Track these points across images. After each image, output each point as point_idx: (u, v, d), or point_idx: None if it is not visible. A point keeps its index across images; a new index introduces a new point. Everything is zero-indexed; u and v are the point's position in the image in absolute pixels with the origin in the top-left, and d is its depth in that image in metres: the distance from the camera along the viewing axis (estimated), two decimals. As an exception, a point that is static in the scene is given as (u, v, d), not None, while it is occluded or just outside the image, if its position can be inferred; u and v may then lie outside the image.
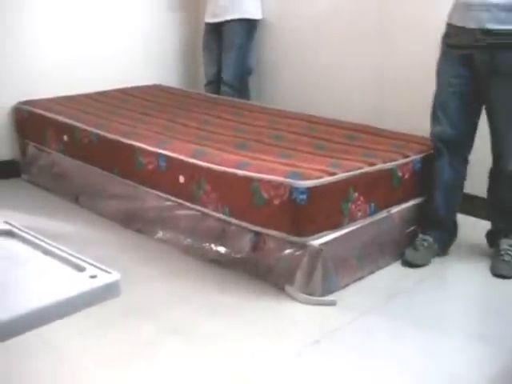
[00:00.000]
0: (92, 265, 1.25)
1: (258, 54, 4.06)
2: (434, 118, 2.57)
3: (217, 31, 3.96)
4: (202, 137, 2.91)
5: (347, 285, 2.40)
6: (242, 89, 3.97)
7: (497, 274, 2.48)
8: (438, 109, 2.55)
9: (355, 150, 2.68)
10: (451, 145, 2.55)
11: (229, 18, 3.87)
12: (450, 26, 2.49)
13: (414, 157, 2.67)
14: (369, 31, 3.49)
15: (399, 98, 3.36)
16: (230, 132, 3.00)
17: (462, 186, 2.66)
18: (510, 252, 2.52)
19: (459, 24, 2.41)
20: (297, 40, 3.87)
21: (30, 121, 3.54)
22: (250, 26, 3.91)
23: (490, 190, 2.63)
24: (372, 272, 2.51)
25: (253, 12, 3.91)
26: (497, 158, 2.54)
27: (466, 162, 2.62)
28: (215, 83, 4.01)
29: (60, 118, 3.33)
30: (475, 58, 2.40)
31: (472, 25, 2.35)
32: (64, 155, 3.33)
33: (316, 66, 3.79)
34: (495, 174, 2.58)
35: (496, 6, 2.30)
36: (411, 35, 3.24)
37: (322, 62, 3.75)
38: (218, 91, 3.99)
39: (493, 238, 2.64)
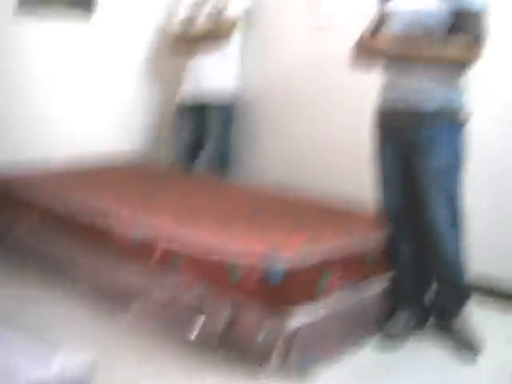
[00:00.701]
0: (61, 350, 1.21)
1: (238, 129, 4.09)
2: (379, 191, 2.63)
3: (196, 112, 3.96)
4: (178, 214, 2.90)
5: (324, 363, 2.35)
6: (223, 164, 3.96)
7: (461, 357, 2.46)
8: (381, 183, 2.61)
9: (331, 229, 2.69)
10: (400, 217, 2.58)
11: (213, 101, 3.88)
12: (379, 105, 2.58)
13: (387, 233, 2.67)
14: (342, 103, 3.56)
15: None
16: (208, 209, 3.00)
17: (424, 261, 2.60)
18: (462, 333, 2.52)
19: (388, 104, 2.51)
20: (272, 115, 3.95)
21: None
22: (232, 108, 3.95)
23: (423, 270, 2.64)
24: (350, 349, 2.47)
25: (235, 94, 3.94)
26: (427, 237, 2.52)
27: (420, 233, 2.57)
28: (192, 148, 4.01)
29: (29, 196, 3.29)
30: (404, 135, 2.48)
31: (399, 105, 2.45)
32: (32, 232, 3.27)
33: (294, 139, 3.85)
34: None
35: (417, 89, 2.40)
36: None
37: (298, 136, 3.82)
38: (194, 157, 4.00)
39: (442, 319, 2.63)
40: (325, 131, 3.65)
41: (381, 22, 2.55)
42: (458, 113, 2.44)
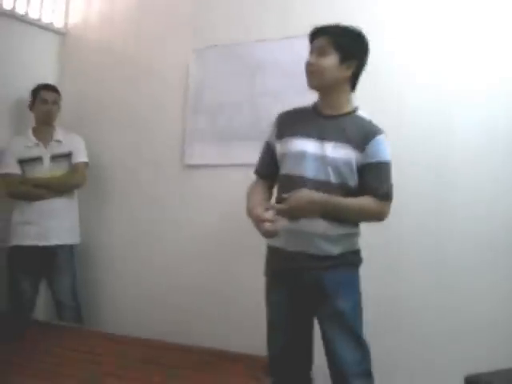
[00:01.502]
0: None
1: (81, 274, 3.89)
2: (268, 338, 2.34)
3: (38, 255, 3.66)
4: (41, 370, 2.62)
5: None
6: (77, 306, 3.74)
7: None
8: (271, 329, 2.33)
9: (208, 378, 2.57)
10: (287, 363, 2.32)
11: (61, 242, 3.70)
12: (272, 248, 2.31)
13: (267, 380, 2.44)
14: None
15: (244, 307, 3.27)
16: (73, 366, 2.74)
17: None
18: None
19: (284, 247, 2.25)
20: (113, 257, 3.88)
21: None
22: (74, 250, 3.79)
23: None
24: None
25: (77, 237, 3.81)
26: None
27: (309, 381, 2.35)
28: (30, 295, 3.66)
29: None
30: (301, 279, 2.24)
31: (298, 248, 2.21)
32: None
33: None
34: None
35: (321, 236, 2.18)
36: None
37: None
38: (32, 305, 3.67)
39: None
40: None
41: (275, 162, 2.26)
42: (359, 253, 2.30)
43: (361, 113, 2.20)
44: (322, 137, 2.14)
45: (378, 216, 2.15)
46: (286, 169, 2.19)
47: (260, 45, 3.45)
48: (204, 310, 3.45)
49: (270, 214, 2.06)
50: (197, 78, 3.68)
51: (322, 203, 2.06)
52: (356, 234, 2.25)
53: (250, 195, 2.26)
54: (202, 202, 3.55)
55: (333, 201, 2.09)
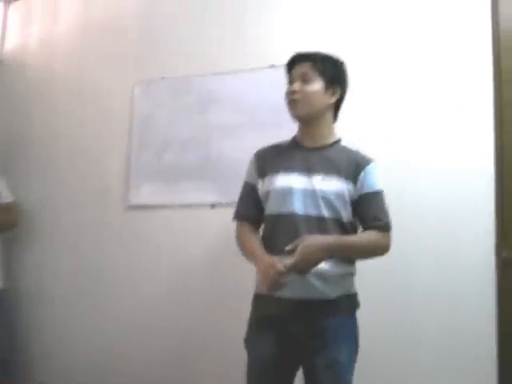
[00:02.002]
0: None
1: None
2: None
3: None
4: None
5: None
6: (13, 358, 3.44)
7: None
8: (251, 382, 2.12)
9: None
10: None
11: None
12: (259, 296, 2.15)
13: None
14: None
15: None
16: None
17: None
18: None
19: (270, 294, 2.05)
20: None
21: None
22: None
23: None
24: None
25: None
26: None
27: None
28: None
29: None
30: (290, 326, 2.07)
31: (289, 293, 2.02)
32: None
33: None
34: None
35: (318, 276, 2.03)
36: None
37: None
38: None
39: None
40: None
41: (258, 203, 2.13)
42: (356, 297, 2.15)
43: (345, 143, 2.14)
44: (308, 170, 2.04)
45: (384, 249, 2.05)
46: (272, 207, 2.06)
47: (213, 77, 3.28)
48: (150, 357, 3.22)
49: (281, 266, 1.91)
50: (143, 112, 3.47)
51: (331, 247, 1.94)
52: (353, 274, 2.13)
53: (244, 241, 2.11)
54: (148, 245, 3.33)
55: (341, 241, 1.98)
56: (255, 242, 2.07)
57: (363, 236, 2.02)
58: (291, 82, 2.09)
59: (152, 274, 3.31)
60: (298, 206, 2.01)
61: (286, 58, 2.17)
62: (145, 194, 3.35)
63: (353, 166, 2.04)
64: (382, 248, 2.04)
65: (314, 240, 1.90)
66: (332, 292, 2.01)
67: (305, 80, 2.05)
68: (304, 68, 2.07)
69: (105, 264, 3.45)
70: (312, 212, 2.00)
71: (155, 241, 3.33)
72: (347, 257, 2.02)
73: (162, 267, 3.26)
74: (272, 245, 2.01)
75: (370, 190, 2.05)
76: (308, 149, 2.08)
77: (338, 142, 2.13)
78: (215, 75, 3.24)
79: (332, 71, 2.10)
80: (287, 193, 2.02)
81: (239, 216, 2.17)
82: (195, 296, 3.11)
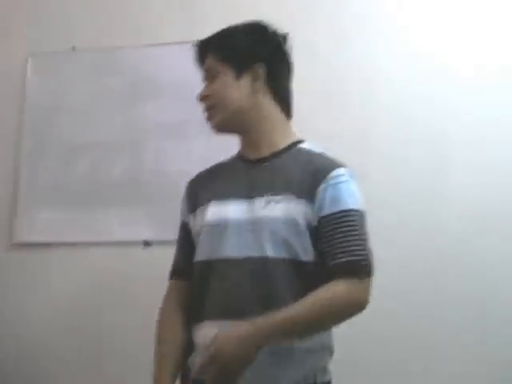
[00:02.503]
0: None
1: None
2: None
3: None
4: None
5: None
6: None
7: None
8: None
9: None
10: None
11: None
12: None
13: None
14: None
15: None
16: None
17: None
18: None
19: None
20: None
21: None
22: None
23: None
24: None
25: None
26: None
27: None
28: None
29: None
30: None
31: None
32: None
33: None
34: None
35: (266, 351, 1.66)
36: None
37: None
38: None
39: None
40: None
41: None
42: None
43: (307, 145, 1.82)
44: (250, 191, 1.76)
45: (355, 305, 1.65)
46: (200, 252, 1.78)
47: (149, 50, 2.89)
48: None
49: None
50: (40, 101, 2.97)
51: (257, 338, 1.58)
52: (329, 348, 1.74)
53: (159, 332, 1.81)
54: (44, 302, 2.83)
55: (270, 324, 1.60)
56: (168, 344, 1.80)
57: (308, 300, 1.64)
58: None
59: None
60: (234, 247, 1.73)
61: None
62: (41, 225, 2.90)
63: (309, 176, 1.74)
64: (350, 305, 1.65)
65: (225, 339, 1.62)
66: (290, 379, 1.68)
67: (212, 77, 1.84)
68: (208, 62, 1.85)
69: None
70: (253, 253, 1.71)
71: (54, 296, 2.85)
72: (297, 335, 1.69)
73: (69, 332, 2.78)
74: (200, 311, 1.74)
75: (335, 210, 1.70)
76: (252, 162, 1.84)
77: (294, 144, 1.83)
78: (153, 47, 2.87)
79: (240, 47, 1.83)
80: (221, 229, 1.76)
81: (173, 273, 1.91)
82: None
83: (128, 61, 2.87)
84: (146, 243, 2.75)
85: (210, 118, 1.83)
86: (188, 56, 2.78)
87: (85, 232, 2.80)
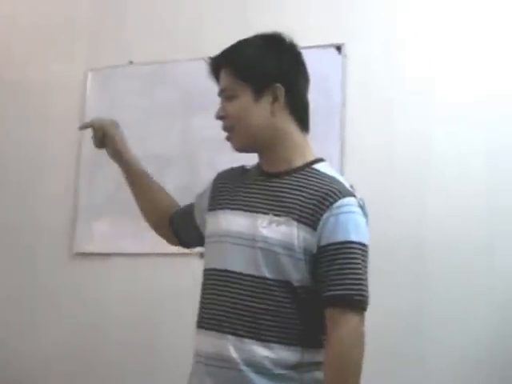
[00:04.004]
0: None
1: None
2: None
3: None
4: None
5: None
6: None
7: None
8: None
9: None
10: None
11: None
12: None
13: None
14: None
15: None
16: None
17: None
18: None
19: None
20: None
21: None
22: None
23: None
24: None
25: None
26: None
27: None
28: None
29: None
30: None
31: None
32: None
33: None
34: None
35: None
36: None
37: None
38: None
39: None
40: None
41: (194, 229, 1.86)
42: None
43: (323, 166, 1.73)
44: (254, 207, 1.70)
45: (362, 345, 1.57)
46: (208, 259, 1.77)
47: (203, 64, 2.75)
48: None
49: None
50: (99, 113, 2.88)
51: None
52: (318, 364, 1.64)
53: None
54: (103, 312, 2.88)
55: None
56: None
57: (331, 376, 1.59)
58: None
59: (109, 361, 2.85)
60: (234, 261, 1.70)
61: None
62: (99, 236, 2.99)
63: (313, 202, 1.66)
64: (359, 346, 1.59)
65: None
66: None
67: (229, 97, 1.73)
68: (224, 79, 1.74)
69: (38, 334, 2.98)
70: (252, 270, 1.67)
71: (113, 306, 2.90)
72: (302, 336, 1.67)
73: (125, 342, 2.84)
74: (199, 316, 1.72)
75: (335, 240, 1.64)
76: (267, 175, 1.77)
77: (309, 164, 1.74)
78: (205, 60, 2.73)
79: (259, 66, 1.69)
80: (223, 240, 1.73)
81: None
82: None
83: (182, 73, 2.89)
84: (202, 255, 2.71)
85: (229, 140, 1.78)
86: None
87: (141, 243, 2.81)
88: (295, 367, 1.65)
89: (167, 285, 2.83)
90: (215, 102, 2.78)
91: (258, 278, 1.66)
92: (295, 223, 1.66)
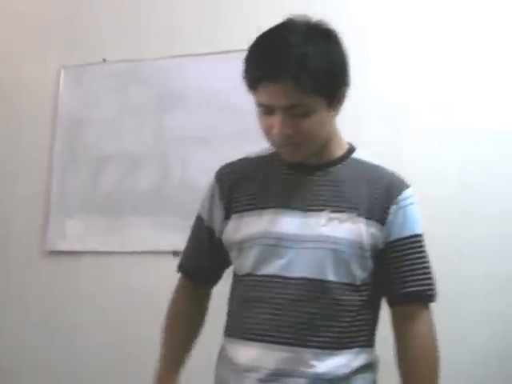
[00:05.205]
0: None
1: None
2: None
3: None
4: None
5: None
6: None
7: None
8: None
9: None
10: None
11: None
12: None
13: None
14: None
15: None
16: None
17: None
18: None
19: None
20: None
21: None
22: None
23: None
24: None
25: None
26: None
27: None
28: None
29: None
30: None
31: None
32: None
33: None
34: None
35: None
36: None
37: None
38: None
39: None
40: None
41: (214, 252, 1.67)
42: None
43: (363, 154, 1.62)
44: (307, 205, 1.55)
45: (438, 352, 1.55)
46: (248, 265, 1.58)
47: (176, 62, 2.88)
48: None
49: None
50: (72, 111, 3.03)
51: None
52: (376, 364, 1.62)
53: (168, 322, 1.73)
54: (74, 313, 2.85)
55: None
56: (176, 336, 1.73)
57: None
58: (267, 113, 1.50)
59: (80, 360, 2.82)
60: (292, 266, 1.54)
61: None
62: (71, 234, 2.94)
63: (379, 195, 1.57)
64: (433, 352, 1.55)
65: None
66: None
67: (302, 114, 1.49)
68: (287, 96, 1.45)
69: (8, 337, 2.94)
70: (312, 274, 1.53)
71: (83, 302, 2.87)
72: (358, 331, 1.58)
73: (96, 341, 2.80)
74: (242, 325, 1.56)
75: (404, 235, 1.56)
76: (304, 167, 1.60)
77: (349, 153, 1.63)
78: (178, 58, 2.86)
79: (334, 74, 1.50)
80: (274, 244, 1.55)
81: (181, 269, 1.75)
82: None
83: (155, 72, 2.86)
84: (176, 253, 2.70)
85: (288, 154, 1.59)
86: (214, 67, 2.78)
87: (113, 241, 2.81)
88: (367, 368, 1.59)
89: (139, 283, 2.79)
90: (189, 101, 2.76)
91: (322, 283, 1.56)
92: (362, 219, 1.56)
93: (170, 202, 2.75)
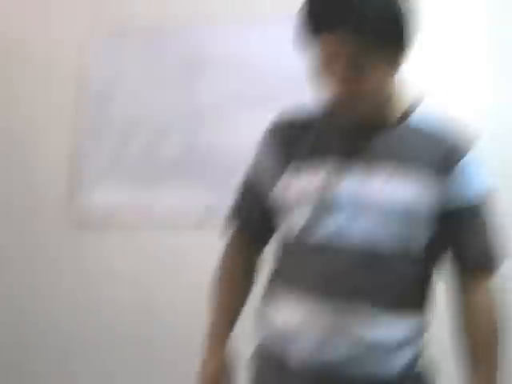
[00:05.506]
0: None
1: None
2: None
3: None
4: None
5: None
6: None
7: None
8: None
9: None
10: None
11: None
12: (267, 359, 1.63)
13: None
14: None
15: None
16: None
17: None
18: None
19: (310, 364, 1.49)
20: None
21: None
22: None
23: None
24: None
25: None
26: None
27: None
28: None
29: None
30: None
31: (333, 368, 1.49)
32: None
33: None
34: None
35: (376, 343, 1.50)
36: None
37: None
38: None
39: None
40: None
41: (266, 212, 1.60)
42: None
43: (422, 112, 1.55)
44: (366, 165, 1.49)
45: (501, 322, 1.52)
46: (295, 229, 1.51)
47: (206, 29, 2.84)
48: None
49: None
50: (100, 79, 2.99)
51: None
52: (423, 332, 1.57)
53: (220, 286, 1.65)
54: (102, 285, 2.87)
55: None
56: (229, 301, 1.65)
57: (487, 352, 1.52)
58: (327, 62, 1.45)
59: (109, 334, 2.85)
60: (340, 230, 1.48)
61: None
62: (100, 202, 2.94)
63: (442, 153, 1.51)
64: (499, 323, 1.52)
65: None
66: (396, 364, 1.50)
67: (360, 67, 1.45)
68: (345, 44, 1.41)
69: (37, 312, 2.95)
70: (364, 244, 1.48)
71: (115, 277, 2.87)
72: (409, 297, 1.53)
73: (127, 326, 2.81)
74: (285, 289, 1.52)
75: (471, 196, 1.51)
76: (360, 127, 1.54)
77: (412, 109, 1.55)
78: (209, 26, 2.84)
79: (401, 27, 1.44)
80: (327, 207, 1.50)
81: (234, 218, 1.66)
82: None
83: (184, 37, 2.85)
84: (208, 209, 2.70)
85: (342, 107, 1.52)
86: (245, 32, 2.77)
87: (141, 210, 2.81)
88: (417, 338, 1.55)
89: (163, 252, 2.78)
90: (216, 67, 2.74)
91: (375, 253, 1.51)
92: (424, 178, 1.51)
93: (199, 166, 2.76)
